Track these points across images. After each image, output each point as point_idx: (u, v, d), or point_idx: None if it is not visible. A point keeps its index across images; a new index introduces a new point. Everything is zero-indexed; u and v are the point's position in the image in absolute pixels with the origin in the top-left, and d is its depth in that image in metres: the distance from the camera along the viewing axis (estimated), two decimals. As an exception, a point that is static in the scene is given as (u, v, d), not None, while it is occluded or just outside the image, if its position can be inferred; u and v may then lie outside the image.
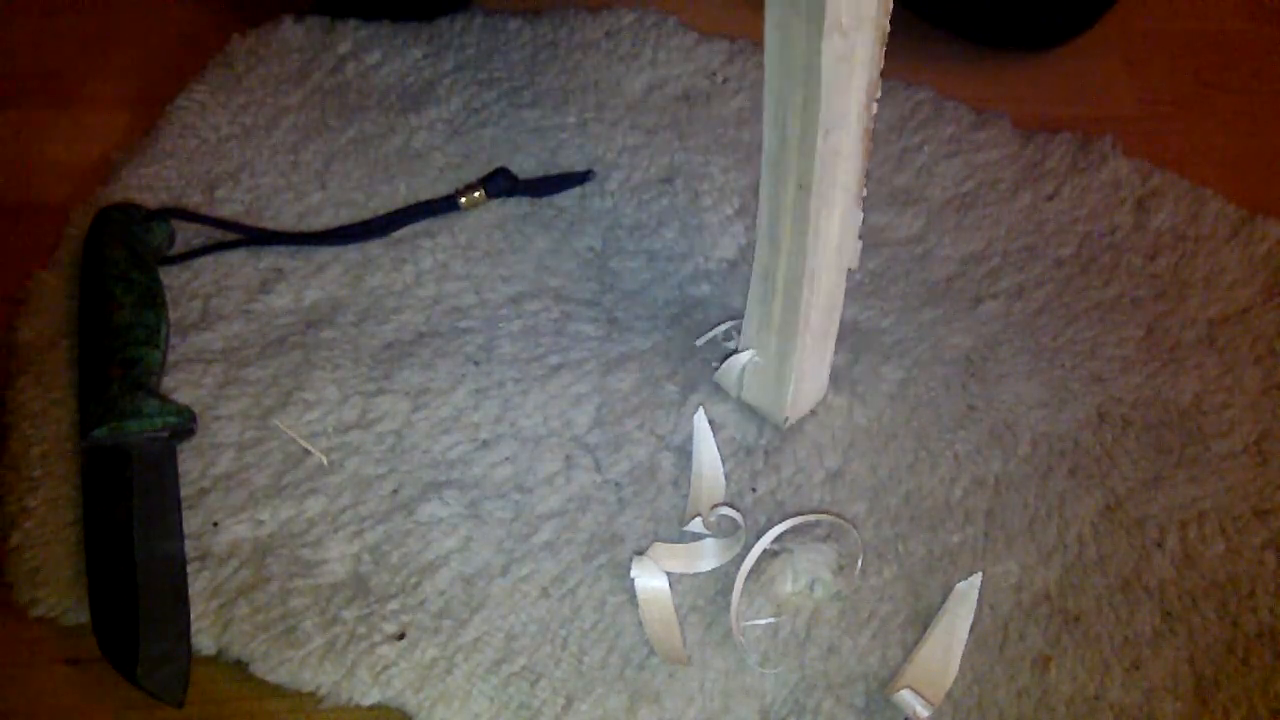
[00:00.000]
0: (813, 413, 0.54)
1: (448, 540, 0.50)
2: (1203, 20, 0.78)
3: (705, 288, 0.60)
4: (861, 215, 0.50)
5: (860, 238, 0.50)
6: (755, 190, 0.59)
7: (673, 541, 0.50)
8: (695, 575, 0.49)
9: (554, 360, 0.56)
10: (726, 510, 0.50)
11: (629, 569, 0.48)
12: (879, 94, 0.46)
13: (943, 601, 0.48)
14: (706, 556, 0.49)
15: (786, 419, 0.53)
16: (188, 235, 0.61)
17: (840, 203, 0.48)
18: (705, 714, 0.45)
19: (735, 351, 0.54)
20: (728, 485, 0.52)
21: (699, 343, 0.57)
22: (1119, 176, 0.65)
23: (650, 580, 0.48)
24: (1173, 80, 0.74)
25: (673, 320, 0.59)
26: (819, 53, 0.42)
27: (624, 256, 0.61)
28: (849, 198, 0.48)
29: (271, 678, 0.46)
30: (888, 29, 0.45)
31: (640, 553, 0.49)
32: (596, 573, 0.49)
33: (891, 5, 0.44)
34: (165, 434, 0.52)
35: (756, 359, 0.53)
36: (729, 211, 0.63)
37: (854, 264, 0.53)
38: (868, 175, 0.48)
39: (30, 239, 0.62)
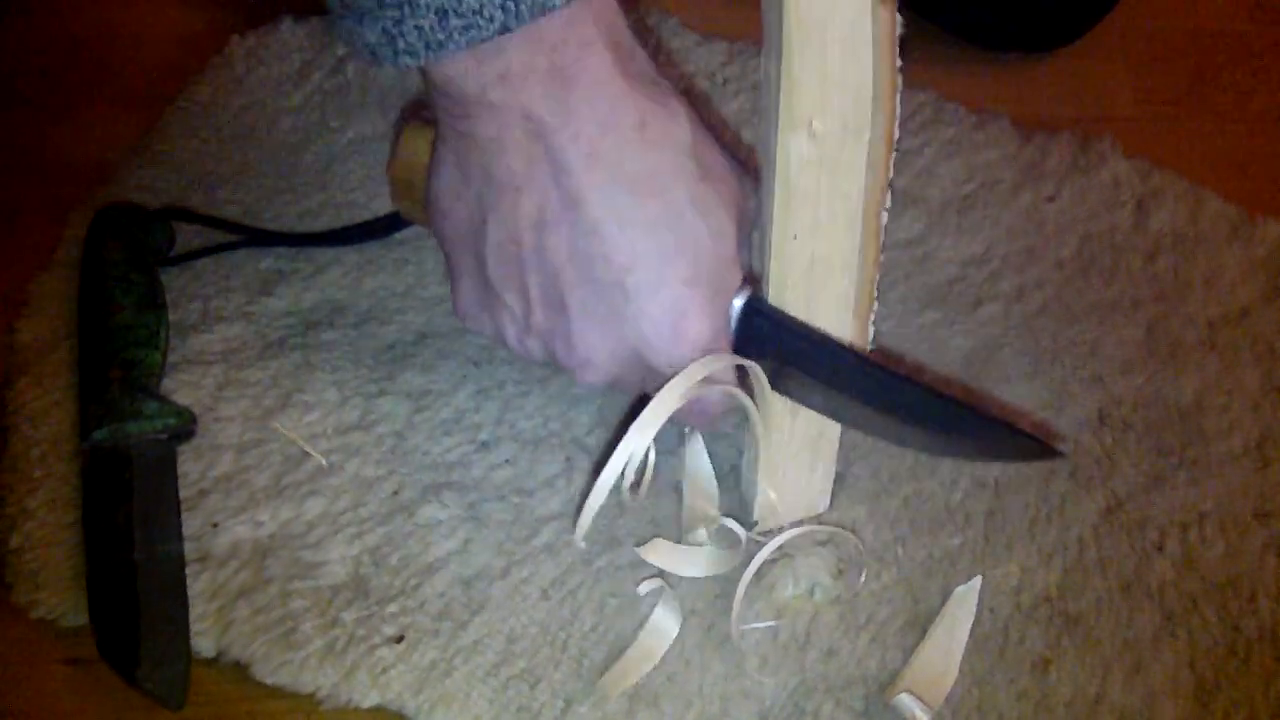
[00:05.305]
0: (800, 523, 0.50)
1: (447, 542, 0.50)
2: (1203, 20, 0.78)
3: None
4: (873, 323, 0.45)
5: (872, 342, 0.46)
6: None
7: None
8: (695, 579, 0.49)
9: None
10: (729, 523, 0.49)
11: (629, 572, 0.48)
12: (889, 203, 0.42)
13: (942, 605, 0.48)
14: (707, 563, 0.49)
15: (755, 524, 0.50)
16: (188, 236, 0.61)
17: (828, 312, 0.44)
18: (704, 717, 0.45)
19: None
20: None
21: None
22: (1119, 177, 0.65)
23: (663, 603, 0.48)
24: (1173, 80, 0.74)
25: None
26: (784, 151, 0.40)
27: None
28: (840, 308, 0.44)
29: (271, 680, 0.46)
30: (896, 134, 0.40)
31: (640, 543, 0.48)
32: (596, 575, 0.49)
33: (898, 108, 0.40)
34: (165, 435, 0.52)
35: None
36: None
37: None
38: (883, 247, 0.43)
39: (30, 239, 0.62)
